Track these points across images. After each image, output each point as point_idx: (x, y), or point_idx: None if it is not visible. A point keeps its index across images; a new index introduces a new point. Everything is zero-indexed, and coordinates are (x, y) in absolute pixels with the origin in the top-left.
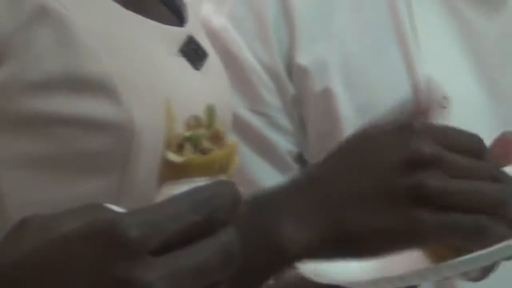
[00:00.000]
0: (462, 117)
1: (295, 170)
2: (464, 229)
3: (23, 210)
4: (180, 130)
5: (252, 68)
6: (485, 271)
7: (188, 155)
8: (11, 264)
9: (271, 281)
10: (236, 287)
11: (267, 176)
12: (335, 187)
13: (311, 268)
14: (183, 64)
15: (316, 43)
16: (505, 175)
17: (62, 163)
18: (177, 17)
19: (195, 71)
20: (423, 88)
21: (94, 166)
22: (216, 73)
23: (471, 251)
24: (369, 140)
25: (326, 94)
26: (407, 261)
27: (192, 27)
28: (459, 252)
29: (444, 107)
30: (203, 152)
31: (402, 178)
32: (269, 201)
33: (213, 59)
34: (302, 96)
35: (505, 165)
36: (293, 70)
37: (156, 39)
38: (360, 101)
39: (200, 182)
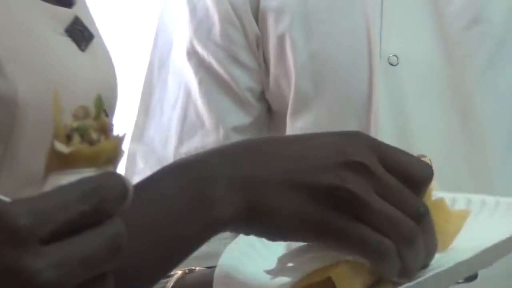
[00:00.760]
0: (414, 75)
1: (255, 106)
2: (367, 245)
3: None
4: (68, 120)
5: (221, 4)
6: None
7: (76, 145)
8: None
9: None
10: (167, 251)
11: (226, 108)
12: (265, 167)
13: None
14: (69, 43)
15: None
16: (427, 216)
17: None
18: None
19: (81, 52)
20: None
21: None
22: (101, 56)
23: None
24: (317, 135)
25: (284, 38)
26: None
27: (79, 10)
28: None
29: (393, 65)
30: (91, 143)
31: (328, 174)
32: (206, 162)
33: (98, 42)
34: (264, 37)
35: None
36: (259, 11)
37: (42, 17)
38: (314, 49)
39: (87, 173)
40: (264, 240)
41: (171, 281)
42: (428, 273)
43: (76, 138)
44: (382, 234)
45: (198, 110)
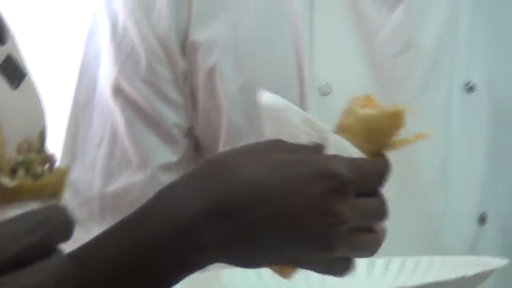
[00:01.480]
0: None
1: (182, 143)
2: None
3: None
4: (12, 154)
5: (147, 40)
6: None
7: (21, 179)
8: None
9: None
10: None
11: (153, 146)
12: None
13: None
14: (1, 81)
15: (211, 22)
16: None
17: None
18: None
19: (13, 89)
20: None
21: None
22: (32, 94)
23: None
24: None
25: (214, 71)
26: None
27: (12, 47)
28: None
29: (325, 94)
30: (35, 176)
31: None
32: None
33: (30, 80)
34: (192, 71)
35: None
36: (187, 45)
37: None
38: (245, 80)
39: (33, 206)
40: None
41: None
42: None
43: (21, 172)
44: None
45: (124, 149)
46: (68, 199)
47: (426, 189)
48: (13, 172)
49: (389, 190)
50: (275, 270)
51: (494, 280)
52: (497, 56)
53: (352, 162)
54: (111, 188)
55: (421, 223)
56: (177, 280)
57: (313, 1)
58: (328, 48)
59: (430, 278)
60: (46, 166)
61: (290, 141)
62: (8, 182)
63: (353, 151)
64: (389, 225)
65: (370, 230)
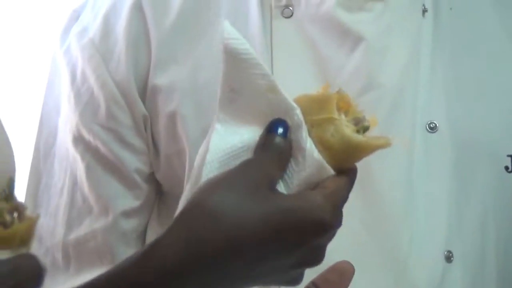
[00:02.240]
0: None
1: (144, 189)
2: None
3: None
4: None
5: (106, 86)
6: None
7: None
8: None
9: None
10: None
11: (114, 192)
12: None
13: None
14: None
15: (171, 66)
16: None
17: None
18: None
19: None
20: None
21: None
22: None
23: None
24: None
25: (175, 115)
26: None
27: None
28: None
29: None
30: (5, 225)
31: None
32: None
33: None
34: (153, 116)
35: None
36: (147, 90)
37: None
38: (207, 124)
39: (2, 255)
40: None
41: None
42: None
43: None
44: None
45: (85, 196)
46: (33, 248)
47: (392, 227)
48: None
49: (355, 229)
50: None
51: None
52: (457, 96)
53: (330, 199)
54: (73, 235)
55: (388, 261)
56: None
57: (272, 45)
58: (289, 91)
59: None
60: (15, 215)
61: (247, 99)
62: None
63: (325, 170)
64: (357, 263)
65: None
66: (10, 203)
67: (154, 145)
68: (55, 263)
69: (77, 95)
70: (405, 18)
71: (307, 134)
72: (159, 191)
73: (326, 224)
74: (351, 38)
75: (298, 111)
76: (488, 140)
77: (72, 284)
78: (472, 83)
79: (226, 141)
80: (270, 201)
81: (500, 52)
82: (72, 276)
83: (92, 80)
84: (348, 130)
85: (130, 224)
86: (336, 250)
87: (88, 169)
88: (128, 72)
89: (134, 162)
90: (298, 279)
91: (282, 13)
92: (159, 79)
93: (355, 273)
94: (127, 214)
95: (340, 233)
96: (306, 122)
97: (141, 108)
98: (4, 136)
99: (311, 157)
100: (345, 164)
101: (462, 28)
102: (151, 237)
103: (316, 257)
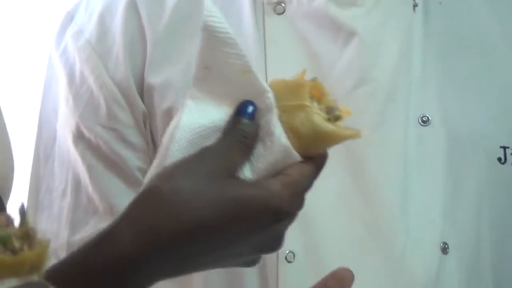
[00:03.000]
0: None
1: None
2: None
3: None
4: None
5: (105, 86)
6: None
7: None
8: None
9: None
10: None
11: (117, 191)
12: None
13: None
14: None
15: (165, 65)
16: None
17: None
18: None
19: None
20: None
21: None
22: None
23: None
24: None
25: (171, 112)
26: None
27: None
28: None
29: None
30: (14, 252)
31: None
32: None
33: (2, 133)
34: (151, 114)
35: None
36: (144, 89)
37: None
38: None
39: (10, 283)
40: None
41: None
42: None
43: None
44: None
45: (89, 196)
46: None
47: (387, 220)
48: None
49: (350, 222)
50: None
51: None
52: (448, 89)
53: (289, 186)
54: (78, 236)
55: (384, 254)
56: None
57: (265, 42)
58: None
59: None
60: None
61: (220, 78)
62: None
63: (292, 155)
64: (353, 256)
65: None
66: (21, 229)
67: (153, 142)
68: None
69: (76, 96)
70: (396, 13)
71: (278, 118)
72: None
73: (281, 213)
74: (343, 34)
75: (270, 94)
76: (480, 132)
77: None
78: (463, 76)
79: (196, 120)
80: (227, 189)
81: (490, 45)
82: None
83: (91, 80)
84: (318, 118)
85: None
86: (332, 244)
87: (89, 169)
88: (127, 71)
89: (135, 161)
90: (255, 261)
91: (274, 9)
92: (154, 78)
93: (352, 268)
94: None
95: (335, 226)
96: (278, 107)
97: (140, 105)
98: (6, 148)
99: (279, 142)
100: (313, 151)
101: (452, 22)
102: None
103: (274, 243)
